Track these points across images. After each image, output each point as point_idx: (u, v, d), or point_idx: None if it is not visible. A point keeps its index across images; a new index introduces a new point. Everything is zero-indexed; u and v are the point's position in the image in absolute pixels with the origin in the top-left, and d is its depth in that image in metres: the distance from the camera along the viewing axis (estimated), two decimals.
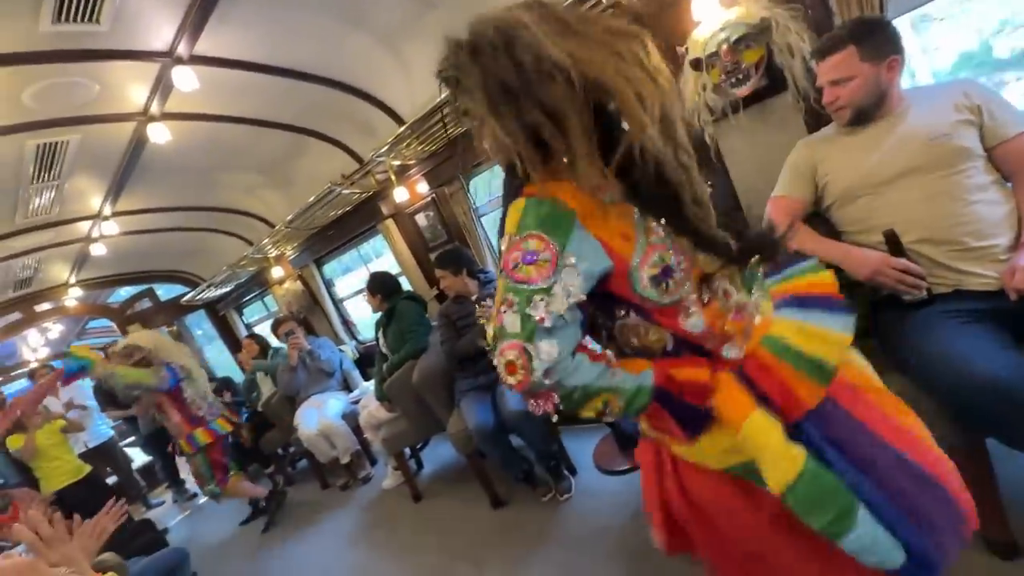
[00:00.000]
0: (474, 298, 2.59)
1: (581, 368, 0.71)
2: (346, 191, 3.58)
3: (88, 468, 4.23)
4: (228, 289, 5.76)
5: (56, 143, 2.61)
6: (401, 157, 3.24)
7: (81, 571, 0.84)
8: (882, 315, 1.43)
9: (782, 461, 0.69)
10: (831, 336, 0.78)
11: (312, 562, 3.01)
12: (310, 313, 5.00)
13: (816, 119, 1.82)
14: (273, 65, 2.60)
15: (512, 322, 0.68)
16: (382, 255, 4.85)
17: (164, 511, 5.32)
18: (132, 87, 2.47)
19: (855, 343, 0.85)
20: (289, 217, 4.00)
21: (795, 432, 0.72)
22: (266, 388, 4.21)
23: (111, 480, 5.14)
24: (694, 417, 0.75)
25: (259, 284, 5.51)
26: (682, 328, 0.77)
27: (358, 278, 5.28)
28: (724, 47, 1.88)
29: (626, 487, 2.39)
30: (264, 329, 6.35)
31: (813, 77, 1.65)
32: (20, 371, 6.69)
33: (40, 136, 2.49)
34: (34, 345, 7.77)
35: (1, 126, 2.28)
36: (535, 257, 0.69)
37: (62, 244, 4.12)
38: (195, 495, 5.29)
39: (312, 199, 3.72)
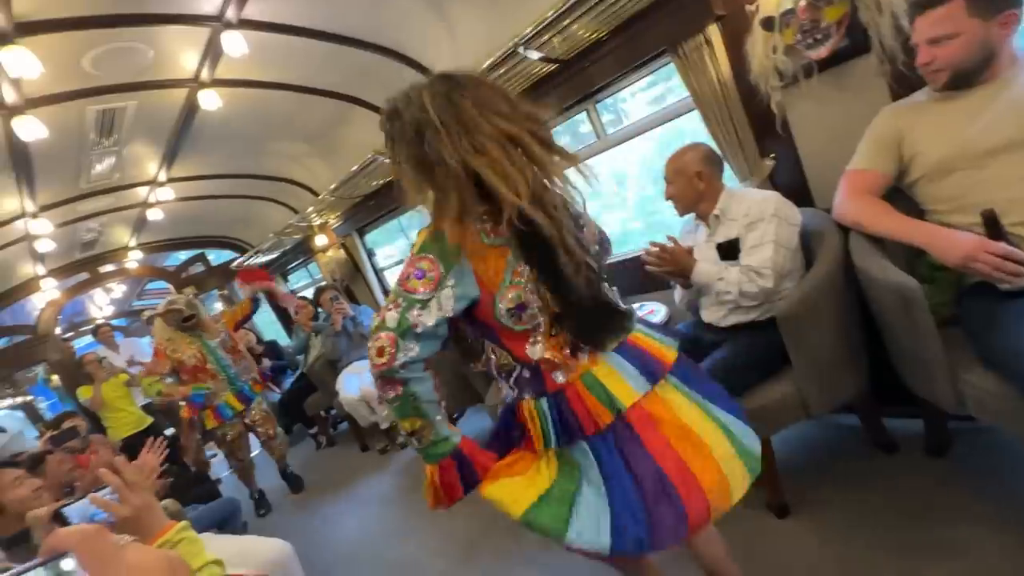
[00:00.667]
0: None
1: (425, 381, 0.95)
2: (389, 160, 3.55)
3: (150, 420, 4.57)
4: (274, 256, 5.93)
5: (114, 109, 2.69)
6: None
7: (157, 516, 0.90)
8: (971, 304, 1.30)
9: (513, 505, 1.00)
10: (629, 387, 1.00)
11: (349, 520, 3.13)
12: (352, 281, 5.10)
13: (903, 84, 1.63)
14: (319, 30, 2.57)
15: (393, 319, 0.91)
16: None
17: (215, 464, 5.66)
18: (184, 53, 2.50)
19: None
20: (333, 186, 4.03)
21: (590, 442, 0.99)
22: (313, 352, 4.36)
23: (169, 432, 5.50)
24: (468, 484, 1.04)
25: (303, 252, 5.64)
26: (524, 353, 0.99)
27: (398, 248, 5.33)
28: (802, 3, 1.71)
29: None
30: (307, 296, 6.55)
31: (903, 37, 1.47)
32: (87, 327, 7.19)
33: (100, 102, 2.57)
34: (100, 304, 8.33)
35: (64, 92, 2.36)
36: (423, 275, 0.92)
37: (122, 209, 4.31)
38: None
39: (355, 168, 3.73)
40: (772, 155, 2.09)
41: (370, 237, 5.06)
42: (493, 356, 1.05)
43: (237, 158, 4.05)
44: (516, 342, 1.00)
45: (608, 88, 2.64)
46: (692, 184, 1.78)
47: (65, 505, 1.04)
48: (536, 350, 0.99)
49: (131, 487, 0.89)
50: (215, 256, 6.58)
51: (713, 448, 1.02)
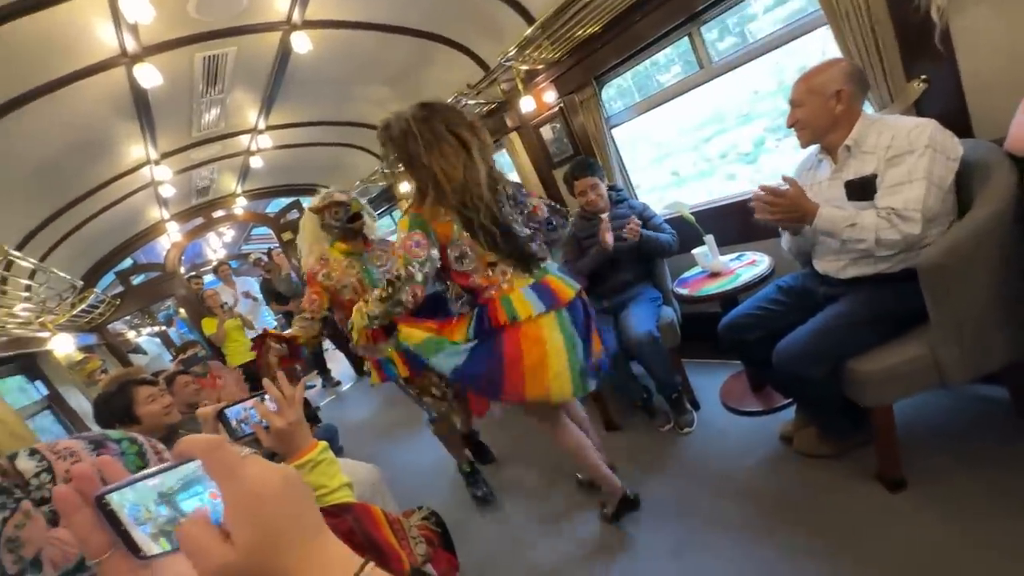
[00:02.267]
0: (605, 215, 2.41)
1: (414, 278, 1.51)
2: (471, 101, 3.47)
3: None
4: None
5: (218, 55, 2.81)
6: (529, 61, 3.01)
7: (305, 433, 0.99)
8: None
9: (412, 337, 1.65)
10: (529, 307, 1.60)
11: (432, 449, 3.31)
12: None
13: None
14: None
15: (418, 275, 1.49)
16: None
17: (315, 393, 6.25)
18: None
19: None
20: None
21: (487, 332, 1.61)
22: None
23: None
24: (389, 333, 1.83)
25: (388, 199, 5.81)
26: (467, 282, 1.63)
27: None
28: None
29: (754, 429, 2.20)
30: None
31: None
32: (206, 268, 8.04)
33: (205, 48, 2.69)
34: (214, 247, 9.27)
35: (174, 39, 2.49)
36: (418, 244, 1.50)
37: (228, 157, 4.63)
38: (339, 382, 6.12)
39: None
40: (923, 77, 1.74)
41: None
42: (449, 286, 1.79)
43: (326, 104, 4.15)
44: (462, 277, 1.63)
45: (715, 6, 2.33)
46: (827, 107, 1.51)
47: (228, 407, 1.14)
48: (473, 280, 1.62)
49: (289, 401, 0.97)
50: (308, 203, 6.98)
51: (550, 363, 1.59)
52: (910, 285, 1.45)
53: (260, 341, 2.07)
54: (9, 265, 2.96)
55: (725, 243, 2.49)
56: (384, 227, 6.87)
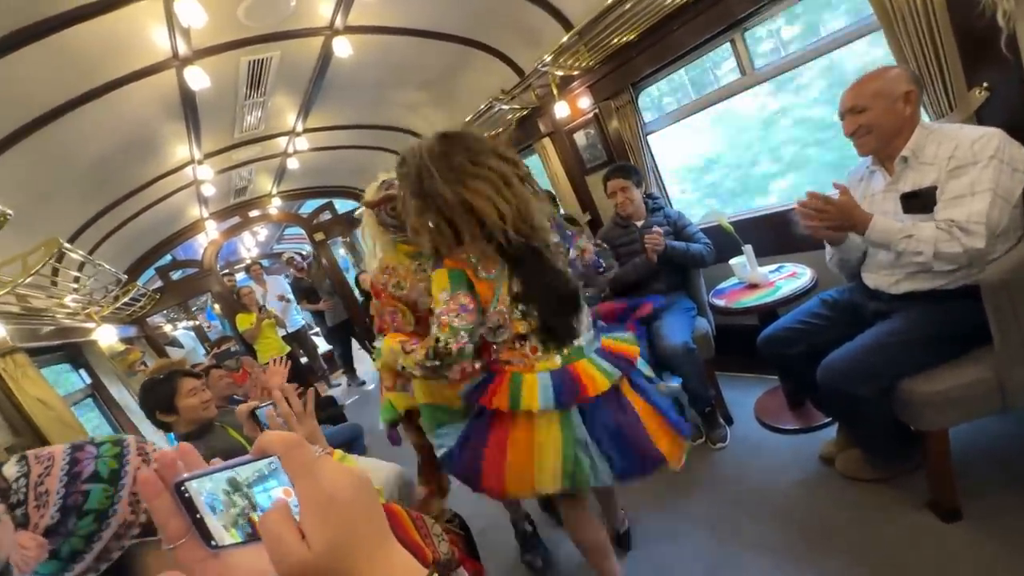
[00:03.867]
0: (640, 223, 2.38)
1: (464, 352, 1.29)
2: (505, 106, 3.48)
3: (288, 348, 5.22)
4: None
5: (263, 59, 2.89)
6: (565, 68, 3.00)
7: (323, 447, 0.96)
8: None
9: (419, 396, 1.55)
10: (536, 401, 1.31)
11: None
12: None
13: None
14: None
15: (464, 348, 1.27)
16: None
17: (340, 392, 6.34)
18: (321, 1, 2.58)
19: None
20: None
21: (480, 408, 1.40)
22: None
23: (303, 360, 6.24)
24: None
25: None
26: (489, 354, 1.40)
27: None
28: None
29: (792, 448, 2.12)
30: None
31: None
32: (240, 266, 8.27)
33: (251, 52, 2.77)
34: (248, 245, 9.52)
35: (223, 43, 2.57)
36: (466, 308, 1.27)
37: (267, 158, 4.75)
38: (364, 382, 6.20)
39: (471, 116, 3.71)
40: (985, 85, 1.66)
41: None
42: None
43: (362, 108, 4.22)
44: (486, 349, 1.40)
45: (761, 12, 2.27)
46: (895, 109, 1.43)
47: (259, 407, 1.17)
48: (496, 353, 1.40)
49: (299, 417, 0.97)
50: (340, 205, 7.11)
51: (540, 462, 1.32)
52: (969, 303, 1.37)
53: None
54: (61, 257, 3.09)
55: (764, 254, 2.42)
56: None
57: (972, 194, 1.30)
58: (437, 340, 1.26)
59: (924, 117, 1.61)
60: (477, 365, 1.35)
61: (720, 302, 2.30)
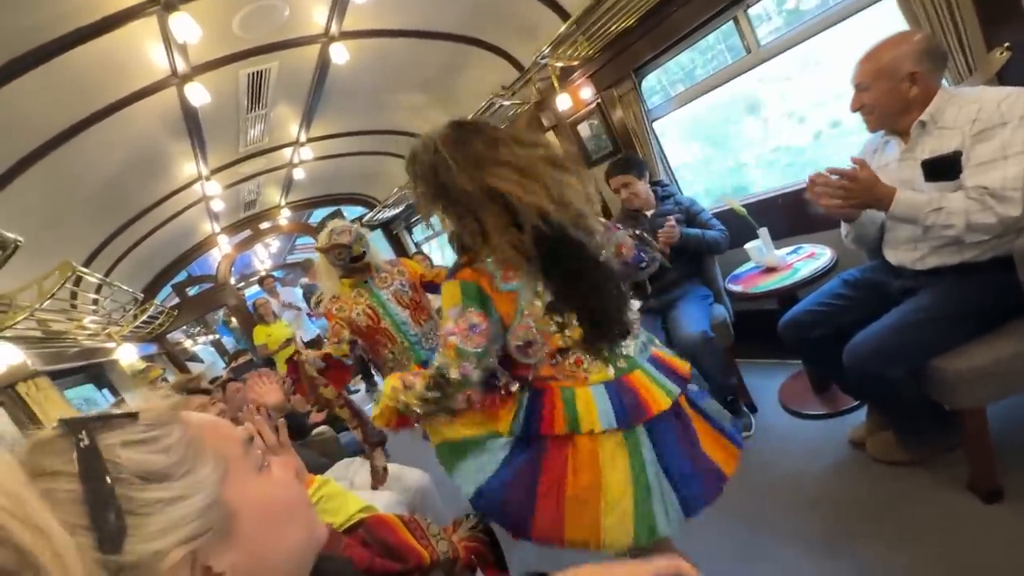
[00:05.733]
0: (650, 213, 2.33)
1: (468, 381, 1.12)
2: (506, 102, 3.44)
3: None
4: (399, 210, 6.26)
5: (261, 71, 2.90)
6: (564, 58, 2.96)
7: (302, 477, 0.91)
8: None
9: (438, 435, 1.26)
10: (596, 417, 1.11)
11: None
12: None
13: None
14: None
15: (468, 376, 1.10)
16: None
17: (359, 398, 6.37)
18: (314, 8, 2.57)
19: None
20: None
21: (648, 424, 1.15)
22: None
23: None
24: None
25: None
26: (525, 373, 1.19)
27: None
28: None
29: (820, 433, 2.06)
30: (427, 247, 6.87)
31: None
32: (254, 278, 8.37)
33: (249, 65, 2.78)
34: (261, 258, 9.64)
35: (220, 57, 2.58)
36: (476, 328, 1.08)
37: (273, 170, 4.78)
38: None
39: (472, 115, 3.68)
40: (1006, 45, 1.58)
41: None
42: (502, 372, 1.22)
43: (363, 114, 4.22)
44: (521, 368, 1.19)
45: None
46: (898, 90, 1.37)
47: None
48: (534, 373, 1.18)
49: (273, 451, 0.93)
50: (349, 212, 7.14)
51: (606, 498, 1.10)
52: (1001, 275, 1.31)
53: (292, 365, 2.05)
54: (78, 281, 3.14)
55: (780, 236, 2.36)
56: (421, 234, 6.95)
57: (1004, 158, 1.23)
58: (438, 368, 1.11)
59: (943, 83, 1.55)
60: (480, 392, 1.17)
61: (737, 288, 2.24)
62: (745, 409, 2.30)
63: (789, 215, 2.39)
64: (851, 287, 1.75)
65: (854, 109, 1.47)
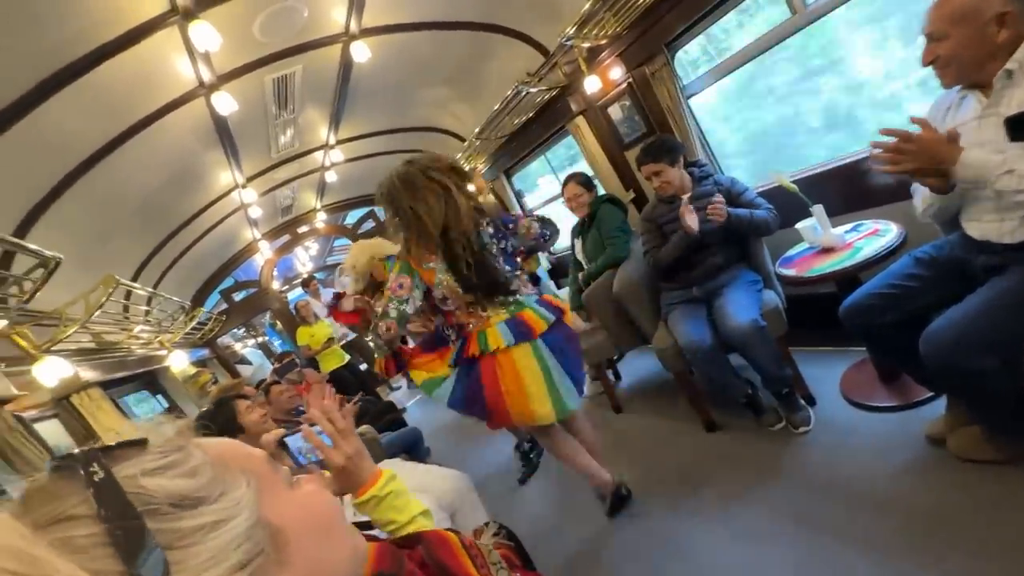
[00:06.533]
0: (687, 196, 2.17)
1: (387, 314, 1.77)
2: (533, 89, 3.33)
3: (348, 357, 5.38)
4: None
5: (286, 75, 2.90)
6: (591, 38, 2.82)
7: (367, 464, 0.94)
8: None
9: (418, 378, 1.97)
10: (500, 340, 1.78)
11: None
12: None
13: None
14: None
15: (387, 311, 1.74)
16: (565, 168, 4.58)
17: (401, 395, 6.46)
18: (333, 7, 2.54)
19: None
20: (478, 128, 3.97)
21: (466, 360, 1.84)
22: None
23: (362, 367, 6.40)
24: (399, 366, 2.00)
25: None
26: (453, 320, 1.86)
27: (547, 185, 5.17)
28: None
29: (890, 428, 1.87)
30: None
31: None
32: (297, 281, 8.60)
33: (273, 70, 2.79)
34: (302, 261, 9.91)
35: (244, 64, 2.59)
36: (402, 286, 1.76)
37: (306, 174, 4.86)
38: None
39: (498, 106, 3.59)
40: None
41: (516, 179, 4.98)
42: (441, 320, 1.91)
43: (389, 112, 4.21)
44: (449, 315, 1.85)
45: None
46: (984, 36, 1.17)
47: (287, 435, 1.11)
48: (457, 317, 1.83)
49: (342, 434, 0.90)
50: (382, 212, 7.21)
51: (529, 389, 1.78)
52: None
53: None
54: (128, 294, 3.27)
55: (837, 212, 2.15)
56: None
57: None
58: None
59: None
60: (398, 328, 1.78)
61: (789, 271, 2.06)
62: (802, 402, 2.12)
63: (846, 189, 2.18)
64: (924, 266, 1.56)
65: (926, 63, 1.28)
